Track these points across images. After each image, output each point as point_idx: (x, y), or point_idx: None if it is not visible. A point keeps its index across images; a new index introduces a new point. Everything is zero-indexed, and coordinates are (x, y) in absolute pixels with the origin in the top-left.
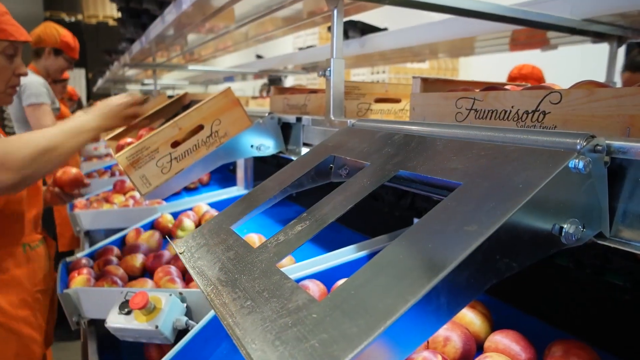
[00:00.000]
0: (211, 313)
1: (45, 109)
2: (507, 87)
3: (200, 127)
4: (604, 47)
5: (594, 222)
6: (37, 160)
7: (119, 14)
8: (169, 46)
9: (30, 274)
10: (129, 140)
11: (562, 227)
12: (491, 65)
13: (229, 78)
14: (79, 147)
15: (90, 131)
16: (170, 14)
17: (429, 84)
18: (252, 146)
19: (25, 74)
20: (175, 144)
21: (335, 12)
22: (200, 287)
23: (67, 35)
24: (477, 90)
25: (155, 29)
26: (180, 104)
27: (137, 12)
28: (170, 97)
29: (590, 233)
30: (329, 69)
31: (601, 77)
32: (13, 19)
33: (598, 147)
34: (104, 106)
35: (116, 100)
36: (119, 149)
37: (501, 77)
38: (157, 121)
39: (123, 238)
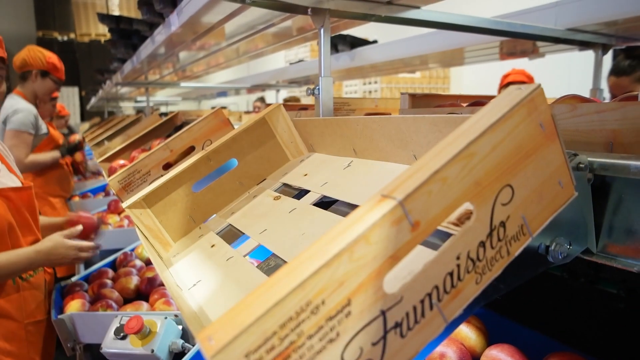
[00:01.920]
0: None
1: (25, 139)
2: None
3: (191, 149)
4: (590, 54)
5: (580, 238)
6: None
7: (110, 35)
8: (160, 64)
9: (20, 305)
10: (121, 162)
11: (547, 246)
12: (482, 73)
13: (222, 93)
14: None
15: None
16: (160, 35)
17: (417, 100)
18: None
19: (7, 94)
20: (167, 166)
21: (322, 30)
22: None
23: (52, 57)
24: (464, 106)
25: (146, 49)
26: (173, 124)
27: (128, 33)
28: (163, 114)
29: (577, 249)
30: (317, 87)
31: (588, 83)
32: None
33: (580, 165)
34: (55, 251)
35: (65, 244)
36: (111, 171)
37: (492, 85)
38: (149, 142)
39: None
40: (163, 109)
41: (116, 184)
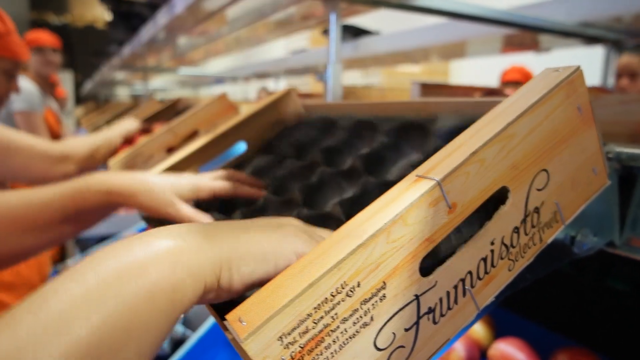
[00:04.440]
0: (210, 321)
1: (37, 117)
2: (506, 91)
3: (195, 133)
4: (594, 51)
5: (605, 230)
6: None
7: (109, 16)
8: (160, 49)
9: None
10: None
11: (573, 237)
12: (482, 67)
13: (219, 81)
14: None
15: None
16: (162, 17)
17: (428, 90)
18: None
19: (17, 92)
20: (170, 150)
21: (333, 16)
22: None
23: (35, 33)
24: (478, 96)
25: (148, 32)
26: (174, 110)
27: (128, 15)
28: (160, 101)
29: (601, 241)
30: (326, 74)
31: (594, 81)
32: (19, 38)
33: (609, 155)
34: None
35: None
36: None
37: (493, 80)
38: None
39: None
40: (160, 96)
41: (118, 167)
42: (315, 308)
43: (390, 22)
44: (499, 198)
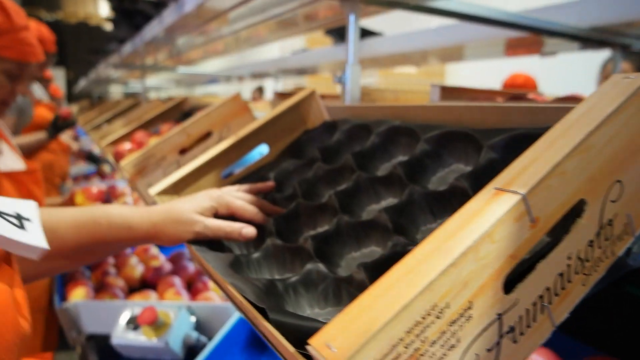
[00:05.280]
0: (227, 326)
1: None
2: (529, 96)
3: (208, 134)
4: (594, 55)
5: None
6: None
7: (111, 13)
8: (159, 47)
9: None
10: (127, 146)
11: (630, 248)
12: (479, 71)
13: (213, 80)
14: None
15: None
16: (170, 15)
17: (447, 92)
18: (261, 153)
19: (25, 94)
20: (182, 152)
21: (351, 17)
22: None
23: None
24: (501, 101)
25: (152, 30)
26: (180, 110)
27: (131, 13)
28: (163, 101)
29: None
30: (344, 75)
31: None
32: (31, 37)
33: None
34: None
35: None
36: (118, 155)
37: (490, 83)
38: (154, 127)
39: None
40: (153, 94)
41: (130, 168)
42: (407, 332)
43: (390, 24)
44: (574, 211)
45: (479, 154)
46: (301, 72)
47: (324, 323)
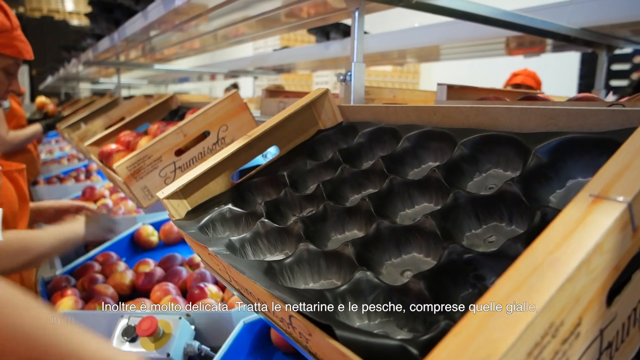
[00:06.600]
0: (233, 335)
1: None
2: (540, 94)
3: (205, 134)
4: (573, 56)
5: None
6: None
7: (88, 8)
8: (137, 44)
9: None
10: (113, 147)
11: None
12: (452, 70)
13: (185, 78)
14: None
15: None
16: (156, 9)
17: (454, 91)
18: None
19: (23, 94)
20: (179, 152)
21: (356, 13)
22: None
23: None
24: (509, 100)
25: (134, 25)
26: (167, 108)
27: (111, 6)
28: (126, 98)
29: None
30: (349, 73)
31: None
32: (23, 35)
33: None
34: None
35: None
36: (103, 156)
37: (463, 82)
38: (139, 125)
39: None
40: (124, 92)
41: (124, 170)
42: (528, 353)
43: (371, 24)
44: None
45: (522, 158)
46: (279, 70)
47: (397, 340)
